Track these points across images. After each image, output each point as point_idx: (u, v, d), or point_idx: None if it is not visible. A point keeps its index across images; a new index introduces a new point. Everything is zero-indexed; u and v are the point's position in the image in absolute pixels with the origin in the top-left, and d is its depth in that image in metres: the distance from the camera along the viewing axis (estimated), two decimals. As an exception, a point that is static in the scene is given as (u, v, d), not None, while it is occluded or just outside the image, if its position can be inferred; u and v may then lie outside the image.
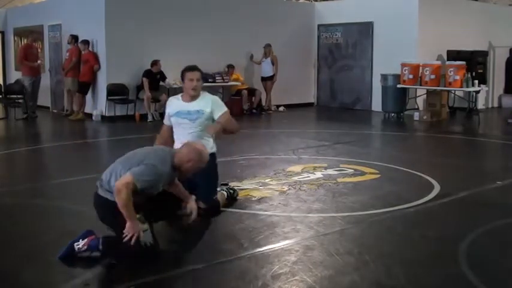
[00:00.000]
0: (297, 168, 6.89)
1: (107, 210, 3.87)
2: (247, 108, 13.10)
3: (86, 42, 11.77)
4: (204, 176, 4.58)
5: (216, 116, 4.88)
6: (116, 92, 11.71)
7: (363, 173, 6.65)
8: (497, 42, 14.44)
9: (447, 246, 4.20)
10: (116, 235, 3.85)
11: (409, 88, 12.22)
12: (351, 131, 10.54)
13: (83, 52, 11.82)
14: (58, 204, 5.42)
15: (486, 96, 14.21)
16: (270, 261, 3.86)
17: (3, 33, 15.91)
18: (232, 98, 13.08)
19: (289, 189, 5.85)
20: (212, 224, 4.73)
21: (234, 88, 13.10)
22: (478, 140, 10.19)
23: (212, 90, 12.11)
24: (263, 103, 13.52)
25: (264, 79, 13.55)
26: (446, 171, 7.05)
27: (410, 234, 4.53)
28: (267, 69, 13.44)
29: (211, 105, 4.88)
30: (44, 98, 13.16)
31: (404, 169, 6.92)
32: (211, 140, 4.91)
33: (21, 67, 12.39)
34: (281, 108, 13.85)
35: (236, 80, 13.09)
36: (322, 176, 6.47)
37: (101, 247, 3.84)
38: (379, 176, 6.56)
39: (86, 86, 11.91)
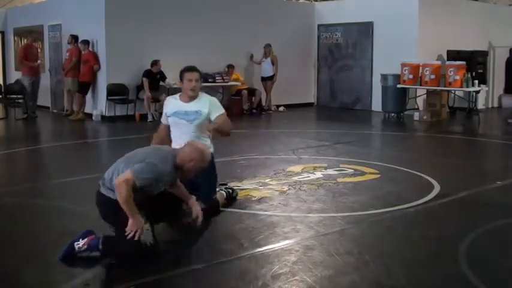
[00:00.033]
0: (297, 168, 6.89)
1: (109, 208, 3.87)
2: (247, 108, 13.10)
3: (86, 42, 11.77)
4: (203, 176, 4.58)
5: (213, 117, 4.87)
6: (116, 92, 11.71)
7: (363, 173, 6.65)
8: (497, 42, 14.44)
9: (447, 246, 4.20)
10: (118, 234, 3.86)
11: (409, 88, 12.22)
12: (351, 131, 10.54)
13: (83, 52, 11.83)
14: (58, 204, 5.42)
15: (486, 96, 14.21)
16: (270, 261, 3.86)
17: (3, 33, 15.92)
18: (232, 98, 13.10)
19: (289, 189, 5.85)
20: (212, 224, 4.72)
21: (234, 88, 13.10)
22: (478, 140, 10.19)
23: (212, 90, 12.15)
24: (263, 103, 13.52)
25: (264, 79, 13.55)
26: (446, 171, 7.05)
27: (410, 234, 4.53)
28: (267, 69, 13.44)
29: (208, 106, 4.87)
30: (44, 98, 13.16)
31: (404, 169, 6.92)
32: (208, 140, 4.91)
33: (21, 67, 12.39)
34: (281, 108, 13.85)
35: (236, 80, 13.09)
36: (322, 176, 6.47)
37: (100, 247, 3.84)
38: (379, 176, 6.56)
39: (86, 86, 11.91)
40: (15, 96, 12.30)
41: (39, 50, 13.21)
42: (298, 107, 14.24)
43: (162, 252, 3.94)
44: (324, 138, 9.52)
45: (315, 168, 6.86)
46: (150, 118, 11.51)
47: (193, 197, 4.32)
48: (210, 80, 12.38)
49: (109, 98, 11.63)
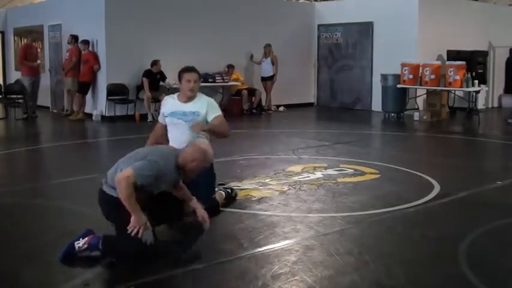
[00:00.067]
0: (297, 168, 6.89)
1: (112, 207, 3.87)
2: (247, 108, 13.10)
3: (86, 42, 11.77)
4: (203, 176, 4.57)
5: (210, 118, 4.85)
6: (116, 92, 11.71)
7: (363, 173, 6.65)
8: (497, 42, 14.44)
9: (447, 246, 4.20)
10: (118, 233, 3.85)
11: (409, 88, 12.21)
12: (351, 131, 10.54)
13: (83, 52, 11.83)
14: (58, 204, 5.42)
15: (486, 96, 14.21)
16: (270, 261, 3.86)
17: (3, 33, 15.91)
18: (232, 98, 13.09)
19: (289, 189, 5.85)
20: (212, 224, 4.70)
21: (234, 88, 13.10)
22: (478, 140, 10.19)
23: (212, 90, 12.19)
24: (263, 103, 13.52)
25: (264, 79, 13.54)
26: (446, 171, 7.05)
27: (410, 234, 4.53)
28: (267, 69, 13.43)
29: (206, 106, 4.86)
30: (44, 98, 13.16)
31: (404, 169, 6.92)
32: (206, 141, 4.90)
33: (20, 67, 12.39)
34: (281, 108, 13.85)
35: (236, 80, 13.08)
36: (322, 176, 6.47)
37: (100, 246, 3.84)
38: (379, 176, 6.56)
39: (86, 86, 11.91)
40: (15, 96, 12.29)
41: (39, 50, 13.21)
42: (298, 107, 14.24)
43: (162, 252, 3.94)
44: (324, 138, 9.52)
45: (315, 168, 6.86)
46: (150, 118, 11.50)
47: (194, 198, 4.30)
48: (210, 80, 12.38)
49: (109, 98, 11.63)
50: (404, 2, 13.07)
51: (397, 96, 12.24)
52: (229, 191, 5.32)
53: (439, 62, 12.04)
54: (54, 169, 7.51)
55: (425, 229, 4.64)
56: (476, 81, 11.50)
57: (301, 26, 14.70)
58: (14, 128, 11.31)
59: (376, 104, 13.22)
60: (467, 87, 11.34)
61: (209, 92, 11.28)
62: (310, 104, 14.99)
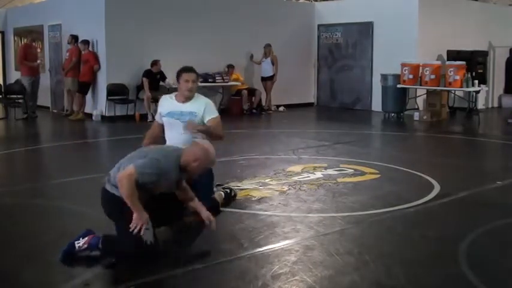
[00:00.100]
0: (297, 168, 6.89)
1: (114, 205, 3.87)
2: (247, 108, 13.09)
3: (86, 42, 11.78)
4: (203, 176, 4.57)
5: (206, 120, 4.84)
6: (116, 92, 11.71)
7: (363, 173, 6.65)
8: (497, 42, 14.44)
9: (447, 246, 4.20)
10: (119, 233, 3.85)
11: (409, 88, 12.21)
12: (351, 131, 10.54)
13: (83, 52, 11.82)
14: (58, 204, 5.42)
15: (486, 96, 14.21)
16: (270, 261, 3.86)
17: (3, 33, 15.91)
18: (232, 98, 13.10)
19: (289, 189, 5.85)
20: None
21: (234, 88, 13.10)
22: (478, 140, 10.19)
23: (212, 90, 12.19)
24: (263, 103, 13.51)
25: (264, 79, 13.54)
26: (446, 171, 7.05)
27: (410, 234, 4.53)
28: (267, 69, 13.43)
29: (204, 108, 4.85)
30: (44, 98, 13.16)
31: (404, 169, 6.92)
32: (208, 142, 4.89)
33: (20, 67, 12.39)
34: (281, 108, 13.85)
35: (236, 80, 13.08)
36: (322, 176, 6.47)
37: (100, 246, 3.84)
38: (379, 176, 6.56)
39: (86, 86, 11.91)
40: (15, 96, 12.29)
41: (38, 50, 13.22)
42: (298, 107, 14.24)
43: (162, 252, 3.94)
44: (324, 138, 9.52)
45: (315, 168, 6.86)
46: (150, 118, 11.47)
47: (196, 199, 4.29)
48: (210, 80, 12.38)
49: (109, 98, 11.62)
50: (404, 2, 13.07)
51: (397, 96, 12.24)
52: (228, 191, 5.31)
53: (439, 62, 12.04)
54: (54, 169, 7.51)
55: (425, 229, 4.65)
56: (476, 81, 11.50)
57: (301, 26, 14.69)
58: (14, 128, 11.31)
59: (376, 104, 13.22)
60: (467, 87, 11.34)
61: (209, 92, 11.29)
62: (310, 104, 14.99)
